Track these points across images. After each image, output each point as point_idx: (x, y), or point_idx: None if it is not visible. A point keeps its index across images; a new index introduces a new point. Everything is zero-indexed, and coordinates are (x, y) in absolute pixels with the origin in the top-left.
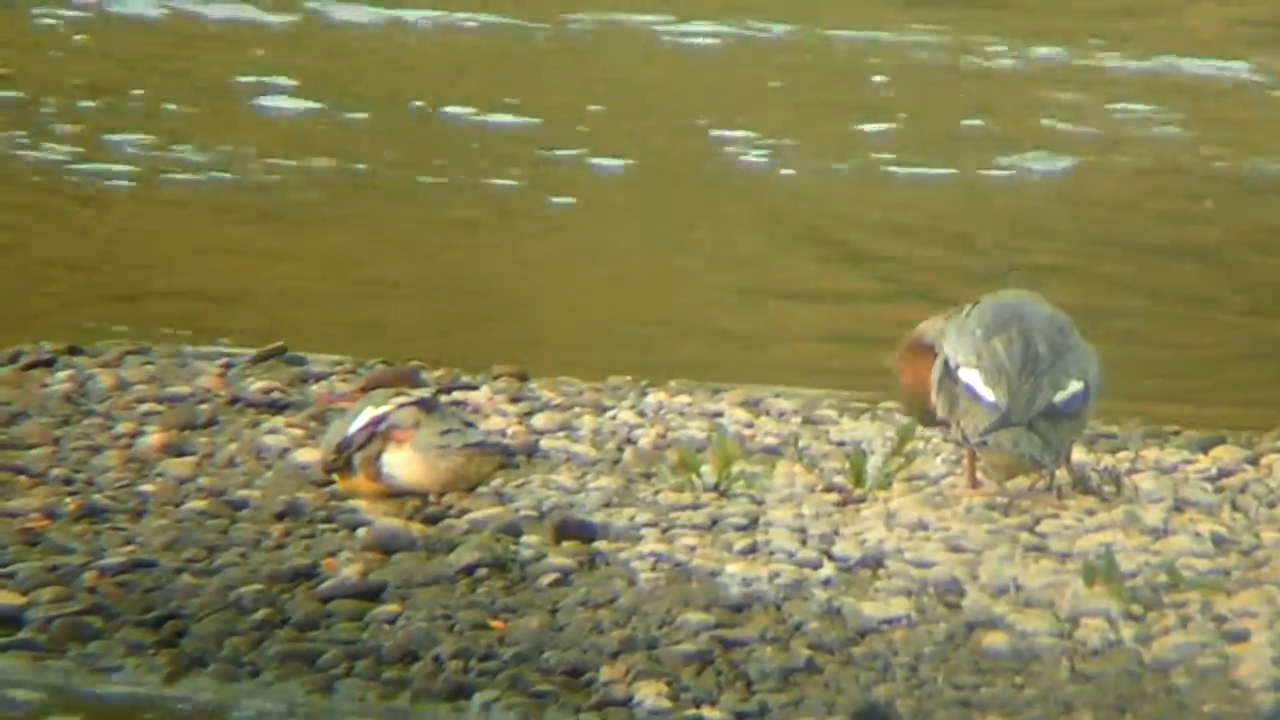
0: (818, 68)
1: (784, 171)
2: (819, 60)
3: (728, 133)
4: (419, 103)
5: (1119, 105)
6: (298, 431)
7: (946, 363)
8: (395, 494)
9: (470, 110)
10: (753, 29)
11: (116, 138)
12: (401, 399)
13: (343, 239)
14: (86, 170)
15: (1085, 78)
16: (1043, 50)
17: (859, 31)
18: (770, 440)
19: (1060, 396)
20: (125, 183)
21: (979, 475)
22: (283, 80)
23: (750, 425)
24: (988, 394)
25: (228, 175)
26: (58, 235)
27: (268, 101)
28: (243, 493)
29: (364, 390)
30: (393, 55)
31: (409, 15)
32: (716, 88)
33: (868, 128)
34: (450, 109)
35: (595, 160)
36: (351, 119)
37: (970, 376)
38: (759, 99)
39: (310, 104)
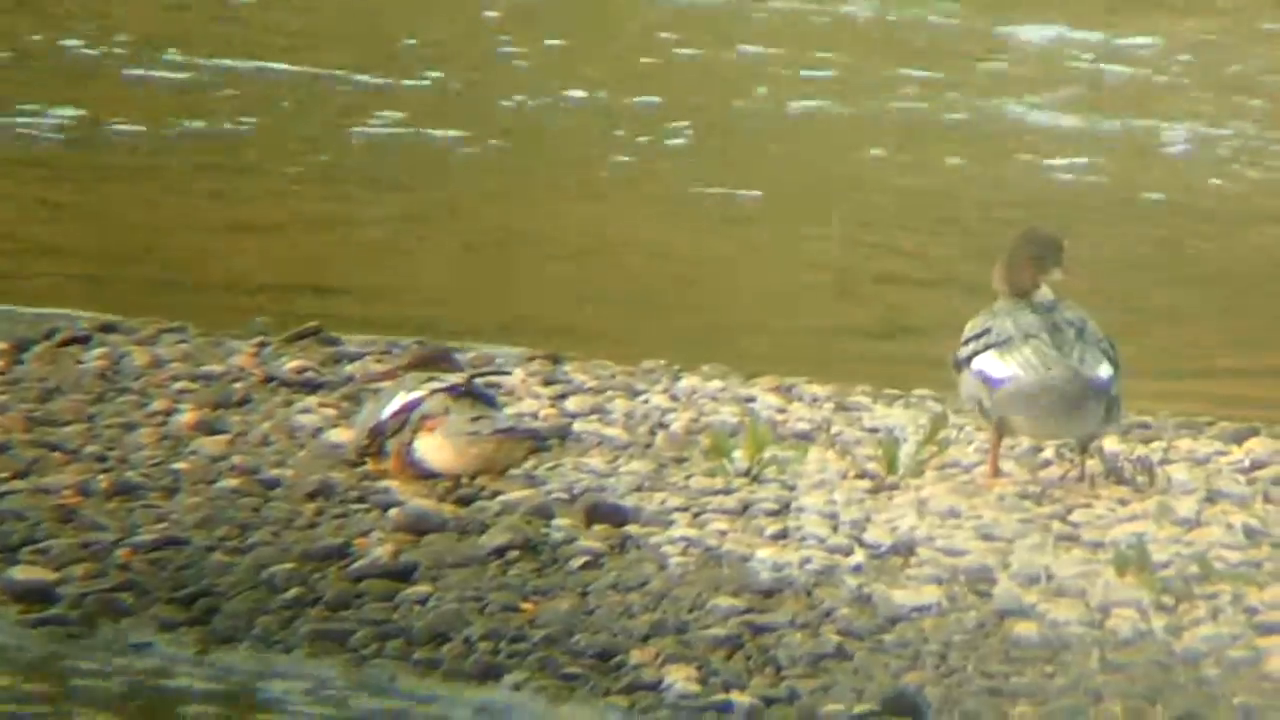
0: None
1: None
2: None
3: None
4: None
5: None
6: (331, 411)
7: (958, 361)
8: (426, 477)
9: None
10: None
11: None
12: (433, 385)
13: (375, 212)
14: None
15: None
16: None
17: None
18: (802, 426)
19: (1092, 367)
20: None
21: (1001, 465)
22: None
23: (782, 410)
24: (1008, 364)
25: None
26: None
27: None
28: (275, 471)
29: (406, 367)
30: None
31: None
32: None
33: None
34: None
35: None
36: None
37: (984, 361)
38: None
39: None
